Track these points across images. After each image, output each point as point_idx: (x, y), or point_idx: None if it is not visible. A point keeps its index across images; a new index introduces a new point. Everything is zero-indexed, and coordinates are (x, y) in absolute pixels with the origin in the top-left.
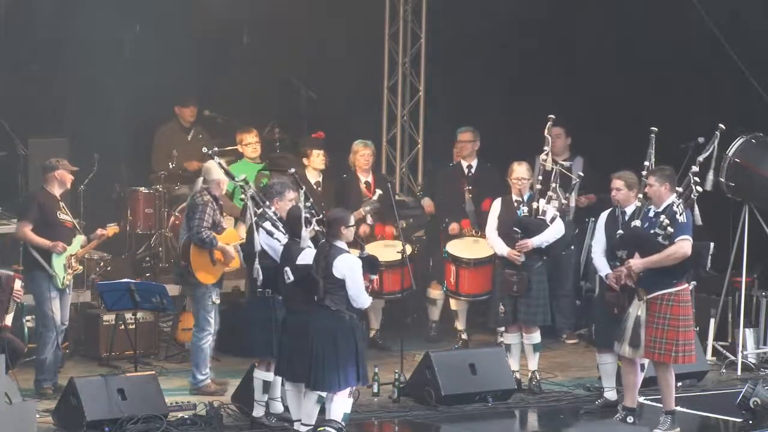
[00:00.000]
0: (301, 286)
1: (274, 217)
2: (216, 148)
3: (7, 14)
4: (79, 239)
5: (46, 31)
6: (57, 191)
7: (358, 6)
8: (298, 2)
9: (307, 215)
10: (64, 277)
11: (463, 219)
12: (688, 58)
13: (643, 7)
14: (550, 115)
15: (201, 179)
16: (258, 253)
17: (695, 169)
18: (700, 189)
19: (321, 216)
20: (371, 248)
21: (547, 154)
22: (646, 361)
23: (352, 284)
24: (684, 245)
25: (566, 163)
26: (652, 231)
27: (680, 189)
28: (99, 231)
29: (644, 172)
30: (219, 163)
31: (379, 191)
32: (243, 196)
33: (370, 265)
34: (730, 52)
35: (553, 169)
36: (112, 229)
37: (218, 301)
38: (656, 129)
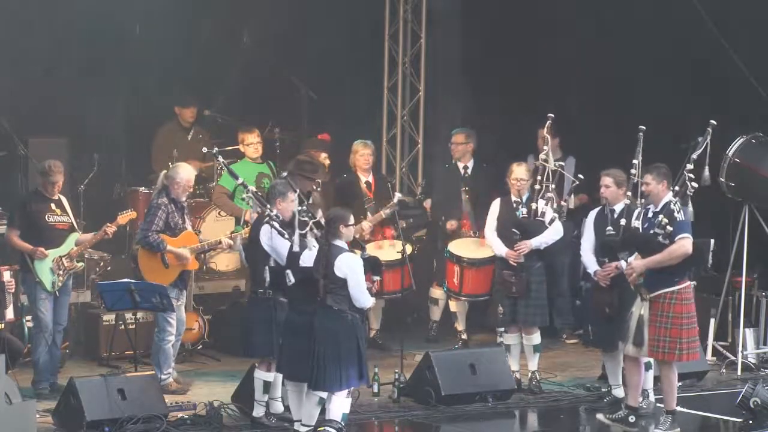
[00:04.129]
0: (304, 287)
1: (275, 221)
2: (217, 148)
3: (7, 14)
4: (73, 237)
5: (47, 31)
6: (51, 193)
7: (358, 6)
8: (299, 2)
9: (302, 219)
10: (54, 281)
11: (464, 219)
12: (688, 58)
13: (642, 7)
14: (549, 114)
15: (161, 177)
16: (263, 254)
17: (690, 166)
18: (695, 185)
19: (316, 219)
20: (370, 248)
21: (546, 155)
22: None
23: (354, 284)
24: (685, 243)
25: (557, 164)
26: (651, 231)
27: (677, 188)
28: (107, 228)
29: (633, 171)
30: (223, 163)
31: (399, 195)
32: (244, 196)
33: (373, 266)
34: (730, 52)
35: (551, 168)
36: (125, 216)
37: (179, 302)
38: (644, 128)
